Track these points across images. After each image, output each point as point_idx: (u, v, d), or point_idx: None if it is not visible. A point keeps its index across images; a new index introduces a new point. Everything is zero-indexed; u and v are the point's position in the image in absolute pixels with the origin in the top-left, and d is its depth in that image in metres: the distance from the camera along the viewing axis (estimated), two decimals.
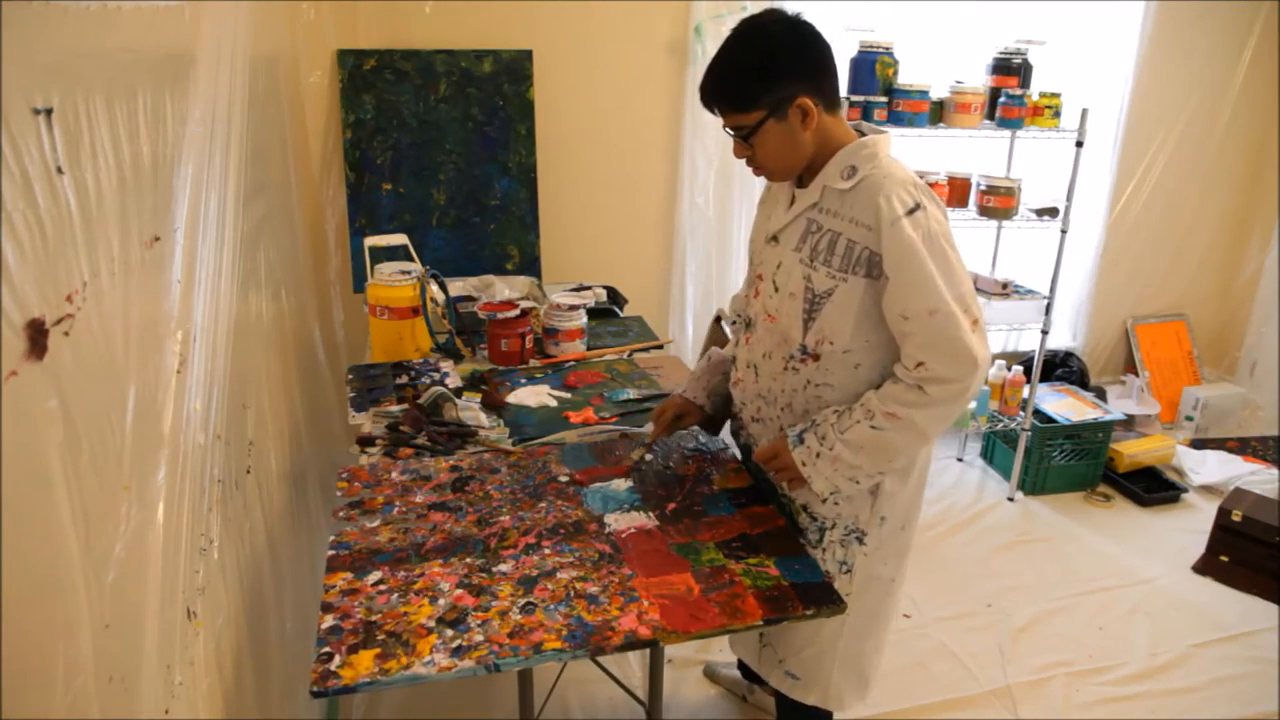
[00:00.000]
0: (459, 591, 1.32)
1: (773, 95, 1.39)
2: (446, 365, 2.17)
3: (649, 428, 1.86)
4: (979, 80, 3.09)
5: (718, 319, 2.26)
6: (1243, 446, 3.77)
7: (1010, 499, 3.37)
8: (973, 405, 3.29)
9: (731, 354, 1.80)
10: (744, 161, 1.50)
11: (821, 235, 1.45)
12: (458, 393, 1.99)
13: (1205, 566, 2.93)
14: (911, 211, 1.36)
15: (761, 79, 1.39)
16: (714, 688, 2.34)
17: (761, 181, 1.60)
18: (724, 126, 1.48)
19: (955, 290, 1.37)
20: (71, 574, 0.86)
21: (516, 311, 2.25)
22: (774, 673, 1.73)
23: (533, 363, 2.26)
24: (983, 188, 3.09)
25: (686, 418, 1.78)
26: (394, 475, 1.67)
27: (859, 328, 1.45)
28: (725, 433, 1.89)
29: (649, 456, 1.76)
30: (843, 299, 1.43)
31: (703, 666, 2.39)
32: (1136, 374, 4.05)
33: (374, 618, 1.26)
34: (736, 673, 2.31)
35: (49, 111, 0.83)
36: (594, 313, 2.59)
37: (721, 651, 2.46)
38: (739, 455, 1.82)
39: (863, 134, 1.49)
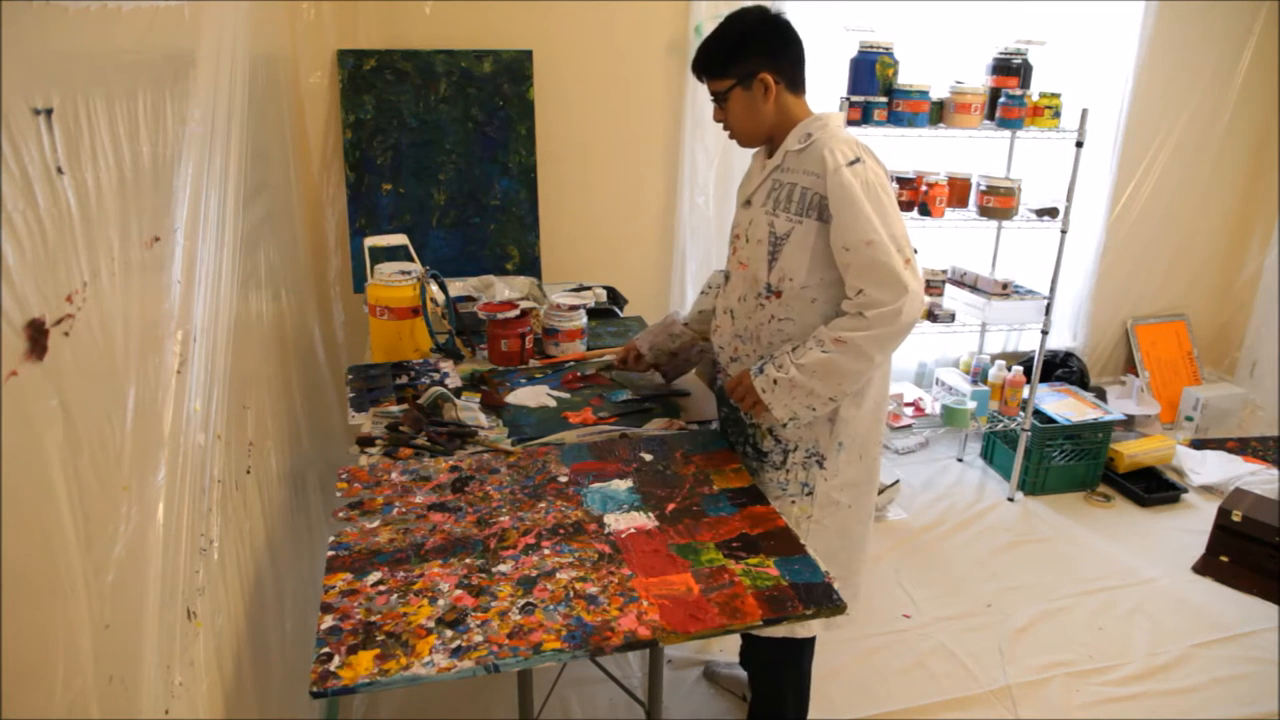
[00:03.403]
0: (458, 592, 1.32)
1: (740, 68, 1.68)
2: (446, 365, 2.17)
3: (648, 427, 1.90)
4: (979, 80, 3.09)
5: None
6: (1243, 446, 3.78)
7: (1010, 499, 3.37)
8: (973, 405, 3.30)
9: (684, 320, 2.09)
10: (728, 136, 1.78)
11: (782, 189, 1.71)
12: (457, 393, 1.99)
13: (1205, 567, 2.93)
14: (852, 163, 1.61)
15: (733, 53, 1.68)
16: (713, 688, 2.35)
17: None
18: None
19: (889, 230, 1.58)
20: (71, 574, 0.86)
21: (516, 312, 2.25)
22: None
23: (532, 363, 2.26)
24: (983, 188, 3.09)
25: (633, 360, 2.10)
26: (393, 476, 1.67)
27: (814, 265, 1.67)
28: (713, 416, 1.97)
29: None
30: (799, 239, 1.67)
31: (702, 667, 2.40)
32: (1136, 374, 4.05)
33: (373, 618, 1.26)
34: (736, 672, 2.32)
35: (49, 111, 0.83)
36: (594, 313, 2.59)
37: (722, 651, 2.47)
38: (718, 412, 1.97)
39: None
